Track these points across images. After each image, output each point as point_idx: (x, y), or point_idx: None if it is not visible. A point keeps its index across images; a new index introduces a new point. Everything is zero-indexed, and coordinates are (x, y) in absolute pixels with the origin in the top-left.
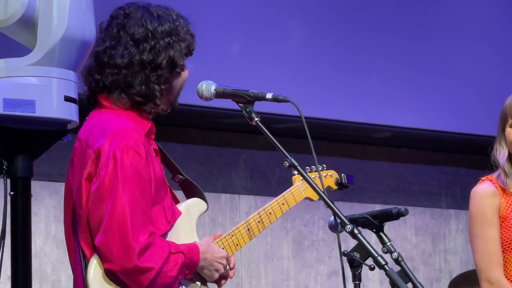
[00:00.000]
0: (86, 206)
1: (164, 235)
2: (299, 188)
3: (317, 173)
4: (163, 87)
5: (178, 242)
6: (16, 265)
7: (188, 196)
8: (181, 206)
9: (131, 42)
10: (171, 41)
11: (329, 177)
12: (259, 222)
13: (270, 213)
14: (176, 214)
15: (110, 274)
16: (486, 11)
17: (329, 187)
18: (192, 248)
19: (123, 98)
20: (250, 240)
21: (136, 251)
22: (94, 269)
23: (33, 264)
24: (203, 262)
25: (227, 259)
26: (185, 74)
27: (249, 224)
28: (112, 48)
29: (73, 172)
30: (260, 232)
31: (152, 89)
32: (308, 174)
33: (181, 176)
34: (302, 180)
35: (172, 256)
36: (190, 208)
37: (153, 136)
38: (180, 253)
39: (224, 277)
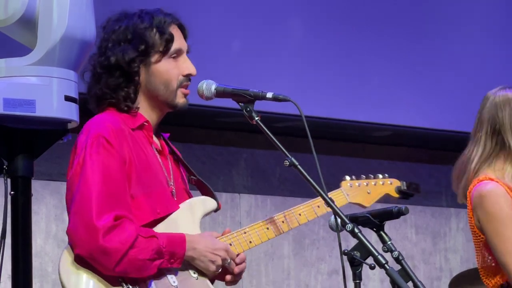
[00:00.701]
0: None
1: (150, 224)
2: (342, 192)
3: (374, 180)
4: (127, 89)
5: None
6: (16, 264)
7: (202, 195)
8: (184, 203)
9: (97, 54)
10: (122, 44)
11: (388, 185)
12: (283, 222)
13: (300, 214)
14: (170, 208)
15: (78, 260)
16: (485, 11)
17: (388, 195)
18: (176, 238)
19: (99, 104)
20: (268, 238)
21: (100, 232)
22: (64, 258)
23: (34, 263)
24: (191, 252)
25: (228, 251)
26: (162, 71)
27: (269, 222)
28: (91, 59)
29: None
30: (283, 233)
31: (115, 91)
32: (364, 180)
33: (194, 177)
34: (350, 185)
35: (142, 239)
36: (194, 205)
37: (151, 134)
38: (153, 237)
39: (227, 271)
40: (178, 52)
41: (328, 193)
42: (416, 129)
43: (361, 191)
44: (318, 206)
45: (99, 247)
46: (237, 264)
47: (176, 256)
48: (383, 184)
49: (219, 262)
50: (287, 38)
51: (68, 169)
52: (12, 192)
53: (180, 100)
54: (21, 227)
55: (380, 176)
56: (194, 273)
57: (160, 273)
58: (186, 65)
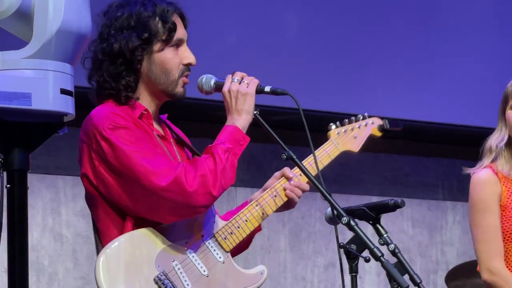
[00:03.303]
0: (98, 195)
1: None
2: (332, 142)
3: (358, 123)
4: (129, 78)
5: None
6: (12, 258)
7: None
8: None
9: (98, 40)
10: (126, 31)
11: (370, 125)
12: (283, 189)
13: (300, 175)
14: None
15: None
16: (483, 6)
17: (372, 135)
18: (229, 131)
19: (99, 92)
20: (276, 206)
21: (186, 184)
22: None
23: (30, 257)
24: (241, 122)
25: (229, 77)
26: (163, 60)
27: (273, 191)
28: (92, 45)
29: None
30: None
31: (117, 82)
32: (348, 125)
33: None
34: (337, 134)
35: (209, 159)
36: None
37: (151, 121)
38: (212, 153)
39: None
40: (180, 42)
41: (320, 147)
42: (413, 122)
43: (349, 137)
44: (301, 175)
45: (190, 189)
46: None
47: (242, 141)
48: (366, 125)
49: (235, 85)
50: (283, 32)
51: (79, 162)
52: (8, 186)
53: (179, 89)
54: (17, 220)
55: (361, 117)
56: (217, 250)
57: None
58: (186, 55)
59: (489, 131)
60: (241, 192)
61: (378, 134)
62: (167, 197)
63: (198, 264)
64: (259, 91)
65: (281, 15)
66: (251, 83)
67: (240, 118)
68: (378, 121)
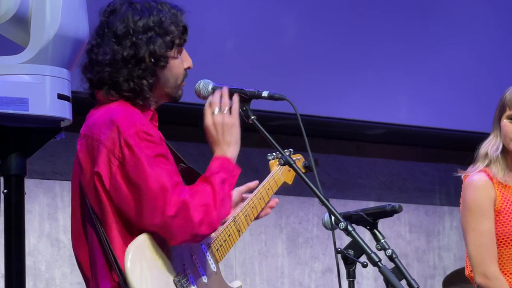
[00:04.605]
0: (108, 199)
1: None
2: (278, 173)
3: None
4: (150, 81)
5: None
6: (9, 263)
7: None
8: None
9: (113, 39)
10: (153, 35)
11: (298, 161)
12: (253, 208)
13: (260, 199)
14: None
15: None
16: (479, 10)
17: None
18: (217, 161)
19: (112, 94)
20: (247, 225)
21: (190, 210)
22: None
23: (27, 262)
24: (232, 152)
25: (208, 108)
26: (175, 65)
27: (246, 210)
28: (97, 45)
29: (81, 170)
30: (253, 220)
31: (138, 84)
32: (276, 159)
33: (184, 165)
34: (278, 165)
35: (208, 187)
36: None
37: (156, 124)
38: (208, 182)
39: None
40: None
41: (270, 176)
42: (410, 127)
43: (285, 170)
44: (268, 189)
45: (195, 222)
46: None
47: (234, 172)
48: (298, 159)
49: (215, 116)
50: (281, 37)
51: (99, 167)
52: (5, 191)
53: (179, 92)
54: (14, 225)
55: (287, 152)
56: (212, 260)
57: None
58: (187, 58)
59: (486, 137)
60: None
61: (303, 170)
62: (173, 224)
63: (202, 272)
64: (257, 96)
65: (279, 19)
66: (233, 111)
67: (230, 149)
68: (302, 159)
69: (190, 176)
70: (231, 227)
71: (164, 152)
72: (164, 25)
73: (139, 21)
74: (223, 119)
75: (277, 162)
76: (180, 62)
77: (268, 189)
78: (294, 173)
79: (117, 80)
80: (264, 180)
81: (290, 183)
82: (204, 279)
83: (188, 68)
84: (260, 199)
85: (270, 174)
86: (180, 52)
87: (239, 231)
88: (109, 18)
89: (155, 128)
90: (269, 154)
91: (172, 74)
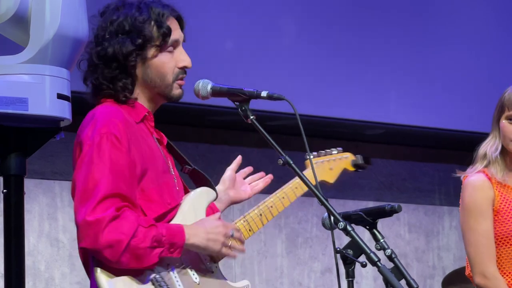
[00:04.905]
0: None
1: (163, 216)
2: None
3: (334, 156)
4: (125, 81)
5: None
6: (9, 263)
7: (197, 185)
8: (189, 197)
9: (94, 42)
10: (122, 36)
11: (344, 159)
12: (271, 207)
13: (283, 198)
14: (178, 198)
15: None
16: (478, 11)
17: (346, 169)
18: (175, 228)
19: (98, 94)
20: (263, 225)
21: (102, 224)
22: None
23: (27, 262)
24: (193, 239)
25: (225, 225)
26: (159, 64)
27: (260, 209)
28: (87, 47)
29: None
30: (271, 218)
31: (114, 84)
32: (324, 156)
33: (189, 167)
34: (315, 163)
35: (142, 228)
36: (196, 196)
37: (152, 124)
38: (153, 226)
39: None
40: (175, 44)
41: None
42: (409, 127)
43: (325, 168)
44: (296, 188)
45: (102, 240)
46: (237, 231)
47: (176, 246)
48: (341, 159)
49: (221, 239)
50: (280, 37)
51: (73, 164)
52: (4, 191)
53: (175, 92)
54: (14, 225)
55: (335, 151)
56: (190, 268)
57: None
58: (182, 57)
59: (486, 137)
60: None
61: (351, 169)
62: (80, 230)
63: (191, 271)
64: (256, 96)
65: (277, 21)
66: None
67: (198, 237)
68: (351, 157)
69: (197, 177)
70: (241, 226)
71: (123, 162)
72: (136, 26)
73: (113, 22)
74: (224, 229)
75: (315, 162)
76: (168, 61)
77: (296, 187)
78: (338, 172)
79: (96, 82)
80: (292, 180)
81: (331, 181)
82: (196, 279)
83: (185, 67)
84: (283, 198)
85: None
86: (166, 50)
87: (250, 230)
88: (99, 20)
89: (137, 131)
90: (307, 154)
91: (156, 73)
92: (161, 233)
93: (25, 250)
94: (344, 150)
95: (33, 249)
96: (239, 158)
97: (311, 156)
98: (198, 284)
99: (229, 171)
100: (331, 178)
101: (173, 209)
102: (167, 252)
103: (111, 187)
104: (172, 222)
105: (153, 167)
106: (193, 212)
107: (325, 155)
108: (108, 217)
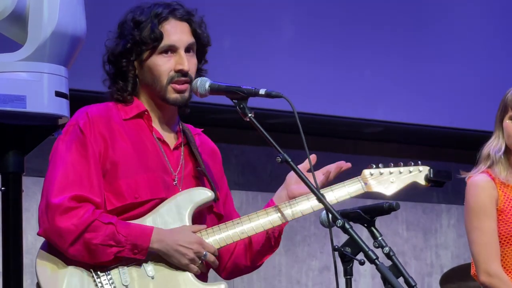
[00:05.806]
0: None
1: (122, 209)
2: (359, 181)
3: (402, 168)
4: (122, 81)
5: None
6: (7, 260)
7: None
8: (171, 197)
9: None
10: (118, 39)
11: (417, 173)
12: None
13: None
14: (156, 193)
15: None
16: (480, 7)
17: (417, 183)
18: (143, 230)
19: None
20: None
21: (56, 211)
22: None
23: (25, 260)
24: (157, 245)
25: (202, 244)
26: (153, 67)
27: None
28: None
29: None
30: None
31: (112, 82)
32: (389, 168)
33: (199, 168)
34: (370, 174)
35: (99, 223)
36: (179, 199)
37: (151, 122)
38: (110, 224)
39: (197, 263)
40: (172, 49)
41: (345, 182)
42: (408, 125)
43: (383, 180)
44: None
45: (53, 227)
46: (212, 254)
47: (139, 248)
48: (411, 172)
49: (191, 255)
50: (278, 35)
51: None
52: (2, 188)
53: (171, 95)
54: (12, 223)
55: (412, 163)
56: (151, 272)
57: (137, 263)
58: (179, 61)
59: (484, 135)
60: (235, 195)
61: (424, 183)
62: (39, 216)
63: (147, 265)
64: (254, 94)
65: (276, 19)
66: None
67: (162, 243)
68: (425, 170)
69: (201, 179)
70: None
71: (82, 151)
72: (129, 31)
73: (119, 24)
74: (198, 248)
75: (370, 172)
76: (162, 64)
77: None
78: (400, 186)
79: (104, 82)
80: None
81: (388, 194)
82: (150, 273)
83: (181, 71)
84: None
85: (349, 180)
86: (161, 54)
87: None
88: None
89: (117, 126)
90: (372, 164)
91: (150, 75)
92: (120, 232)
93: (23, 248)
94: (415, 164)
95: (31, 247)
96: (341, 164)
97: (379, 165)
98: (153, 278)
99: (325, 170)
100: (388, 190)
101: (143, 204)
102: (130, 252)
103: (68, 179)
104: (141, 220)
105: (131, 161)
106: (175, 212)
107: (392, 167)
108: (63, 206)
